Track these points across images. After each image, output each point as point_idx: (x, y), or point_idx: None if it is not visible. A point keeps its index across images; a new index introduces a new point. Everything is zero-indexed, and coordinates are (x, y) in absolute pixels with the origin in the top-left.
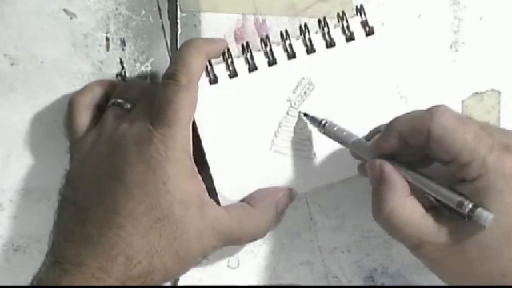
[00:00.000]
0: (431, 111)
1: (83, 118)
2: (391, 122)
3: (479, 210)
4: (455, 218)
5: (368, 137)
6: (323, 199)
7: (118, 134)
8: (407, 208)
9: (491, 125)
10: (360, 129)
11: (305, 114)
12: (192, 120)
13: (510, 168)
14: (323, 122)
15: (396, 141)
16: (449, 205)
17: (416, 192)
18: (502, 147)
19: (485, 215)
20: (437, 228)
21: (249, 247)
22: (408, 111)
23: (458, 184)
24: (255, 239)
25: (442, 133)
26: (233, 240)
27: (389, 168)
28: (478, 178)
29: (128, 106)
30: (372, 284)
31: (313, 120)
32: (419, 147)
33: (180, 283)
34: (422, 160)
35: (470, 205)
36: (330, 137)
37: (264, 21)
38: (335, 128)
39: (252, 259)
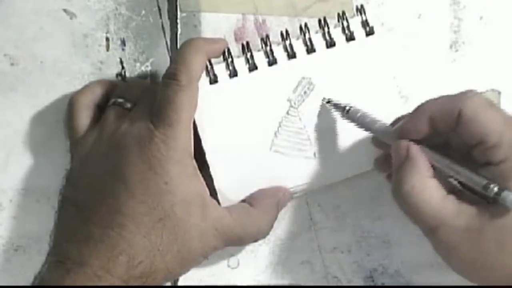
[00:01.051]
0: (462, 93)
1: (84, 118)
2: (419, 105)
3: (505, 192)
4: (476, 204)
5: (392, 124)
6: (323, 199)
7: (119, 133)
8: (428, 187)
9: None
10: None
11: (328, 101)
12: (192, 119)
13: None
14: (347, 107)
15: (425, 125)
16: (474, 188)
17: (438, 177)
18: None
19: (511, 198)
20: (456, 212)
21: (249, 247)
22: (408, 111)
23: (481, 169)
24: (256, 240)
25: (473, 114)
26: (234, 241)
27: (415, 148)
28: (504, 160)
29: (129, 105)
30: (372, 284)
31: (337, 106)
32: (446, 132)
33: (180, 283)
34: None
35: (496, 188)
36: (354, 122)
37: (264, 21)
38: (358, 114)
39: (252, 259)
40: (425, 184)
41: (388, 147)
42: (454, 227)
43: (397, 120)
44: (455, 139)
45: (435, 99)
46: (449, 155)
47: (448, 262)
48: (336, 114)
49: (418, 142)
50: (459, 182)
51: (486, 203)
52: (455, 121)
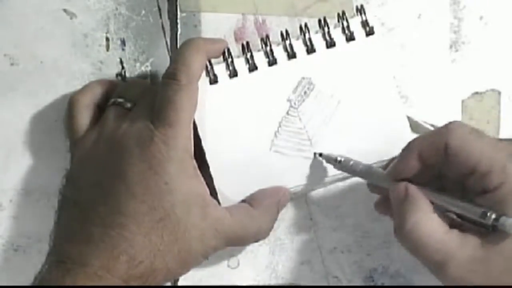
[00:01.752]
0: (447, 126)
1: (84, 118)
2: (407, 144)
3: (503, 218)
4: (479, 233)
5: (384, 167)
6: (323, 199)
7: (119, 133)
8: (431, 222)
9: (505, 139)
10: (360, 129)
11: (320, 154)
12: (193, 119)
13: None
14: (339, 159)
15: (415, 162)
16: (472, 218)
17: (438, 212)
18: None
19: (510, 223)
20: (461, 243)
21: (249, 247)
22: (409, 110)
23: (478, 198)
24: (257, 240)
25: (460, 144)
26: (235, 241)
27: (413, 187)
28: (499, 186)
29: (129, 105)
30: (372, 284)
31: (328, 158)
32: (436, 166)
33: (180, 283)
34: (433, 184)
35: (493, 215)
36: (348, 172)
37: (264, 21)
38: (351, 163)
39: (252, 259)
40: (427, 219)
41: (385, 191)
42: (461, 259)
43: (388, 162)
44: (448, 170)
45: (422, 136)
46: (444, 188)
47: None
48: (329, 165)
49: (409, 180)
50: (457, 215)
51: (487, 231)
52: (443, 154)
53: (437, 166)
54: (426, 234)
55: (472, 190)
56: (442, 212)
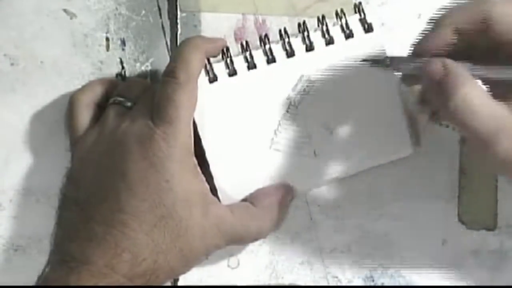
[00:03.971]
0: None
1: (84, 117)
2: (441, 19)
3: None
4: None
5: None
6: (323, 199)
7: (119, 132)
8: (481, 93)
9: None
10: (359, 127)
11: (363, 60)
12: (192, 117)
13: None
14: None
15: (452, 37)
16: None
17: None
18: None
19: None
20: (510, 112)
21: (249, 247)
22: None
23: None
24: (258, 239)
25: (502, 16)
26: (236, 240)
27: (450, 61)
28: None
29: (129, 104)
30: (372, 284)
31: (375, 61)
32: (471, 38)
33: (180, 283)
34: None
35: None
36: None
37: (264, 21)
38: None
39: (252, 259)
40: (477, 91)
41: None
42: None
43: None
44: (484, 41)
45: (457, 9)
46: (475, 58)
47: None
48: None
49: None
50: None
51: None
52: (484, 27)
53: (472, 37)
54: (478, 104)
55: (507, 59)
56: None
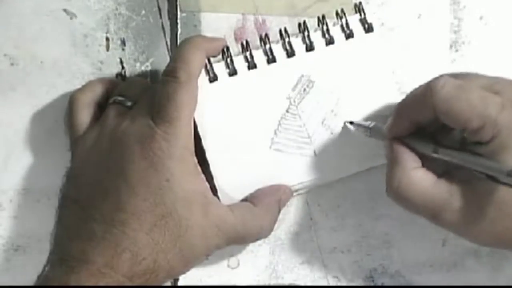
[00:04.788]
0: (430, 87)
1: (84, 116)
2: (397, 108)
3: None
4: (468, 180)
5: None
6: (323, 199)
7: (119, 131)
8: (416, 179)
9: (500, 79)
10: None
11: (351, 122)
12: (193, 117)
13: None
14: (369, 125)
15: (408, 124)
16: (489, 173)
17: (428, 161)
18: None
19: None
20: (450, 194)
21: (249, 247)
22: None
23: (475, 146)
24: (259, 239)
25: (446, 106)
26: (237, 240)
27: (397, 145)
28: (492, 139)
29: (129, 103)
30: (372, 284)
31: (359, 125)
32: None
33: (180, 283)
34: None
35: None
36: (379, 138)
37: (264, 21)
38: (379, 128)
39: (252, 259)
40: (412, 176)
41: None
42: (452, 210)
43: None
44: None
45: (409, 100)
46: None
47: (461, 237)
48: (360, 133)
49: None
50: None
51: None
52: (433, 114)
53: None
54: (412, 192)
55: (469, 140)
56: (432, 160)
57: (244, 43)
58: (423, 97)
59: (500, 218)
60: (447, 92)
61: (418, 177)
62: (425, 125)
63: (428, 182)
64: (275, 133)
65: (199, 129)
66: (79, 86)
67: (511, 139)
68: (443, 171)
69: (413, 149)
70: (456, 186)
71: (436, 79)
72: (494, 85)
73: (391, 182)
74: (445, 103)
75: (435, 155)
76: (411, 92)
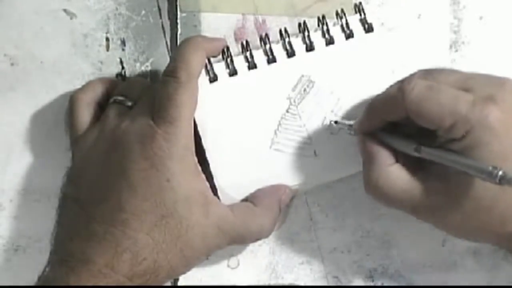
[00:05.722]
0: (401, 89)
1: (84, 116)
2: (368, 108)
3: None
4: (444, 174)
5: None
6: (323, 199)
7: (120, 131)
8: (392, 175)
9: (475, 75)
10: None
11: (336, 122)
12: (193, 116)
13: (494, 118)
14: (353, 123)
15: (380, 122)
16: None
17: (403, 157)
18: (485, 99)
19: None
20: (426, 190)
21: (249, 247)
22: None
23: (450, 143)
24: (259, 239)
25: (417, 107)
26: (237, 239)
27: (369, 142)
28: (465, 135)
29: (130, 103)
30: (372, 284)
31: (343, 125)
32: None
33: (180, 283)
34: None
35: (500, 172)
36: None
37: (264, 21)
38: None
39: (252, 259)
40: (387, 172)
41: None
42: (429, 205)
43: None
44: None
45: (380, 100)
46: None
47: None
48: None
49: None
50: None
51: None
52: (405, 114)
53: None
54: (389, 188)
55: (443, 138)
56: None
57: (244, 43)
58: (394, 99)
59: (476, 211)
60: (417, 94)
61: (394, 173)
62: (401, 123)
63: (405, 178)
64: (275, 133)
65: (199, 129)
66: (79, 86)
67: (484, 135)
68: (417, 166)
69: (387, 145)
70: (432, 181)
71: (406, 80)
72: (467, 81)
73: (369, 179)
74: (415, 105)
75: (417, 155)
76: (383, 92)
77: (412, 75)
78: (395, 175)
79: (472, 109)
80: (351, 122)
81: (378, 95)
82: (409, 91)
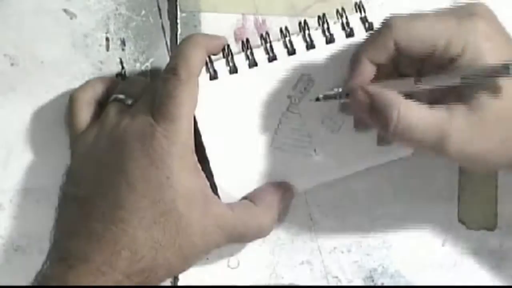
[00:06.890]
0: (386, 24)
1: (84, 114)
2: (355, 53)
3: None
4: (461, 102)
5: None
6: (323, 199)
7: (120, 129)
8: (413, 106)
9: (447, 8)
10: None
11: (317, 98)
12: (193, 114)
13: (484, 26)
14: (337, 90)
15: (369, 67)
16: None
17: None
18: (468, 15)
19: None
20: (451, 115)
21: (249, 247)
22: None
23: (449, 65)
24: (259, 237)
25: (408, 36)
26: (236, 238)
27: (376, 89)
28: (462, 52)
29: (130, 101)
30: (372, 284)
31: (328, 96)
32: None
33: (180, 283)
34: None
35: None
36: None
37: (264, 21)
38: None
39: (252, 259)
40: (407, 104)
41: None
42: (457, 128)
43: None
44: (404, 59)
45: (367, 42)
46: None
47: (466, 166)
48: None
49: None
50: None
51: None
52: (396, 51)
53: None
54: (414, 119)
55: (430, 69)
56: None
57: (245, 40)
58: (381, 35)
59: (503, 125)
60: (404, 23)
61: (413, 107)
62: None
63: (427, 110)
64: (276, 131)
65: (199, 126)
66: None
67: (482, 43)
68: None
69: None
70: (455, 108)
71: (391, 17)
72: (443, 11)
73: (389, 116)
74: (406, 34)
75: (420, 85)
76: (367, 37)
77: (390, 15)
78: (418, 107)
79: (460, 23)
80: (339, 89)
81: (361, 44)
82: (395, 22)
